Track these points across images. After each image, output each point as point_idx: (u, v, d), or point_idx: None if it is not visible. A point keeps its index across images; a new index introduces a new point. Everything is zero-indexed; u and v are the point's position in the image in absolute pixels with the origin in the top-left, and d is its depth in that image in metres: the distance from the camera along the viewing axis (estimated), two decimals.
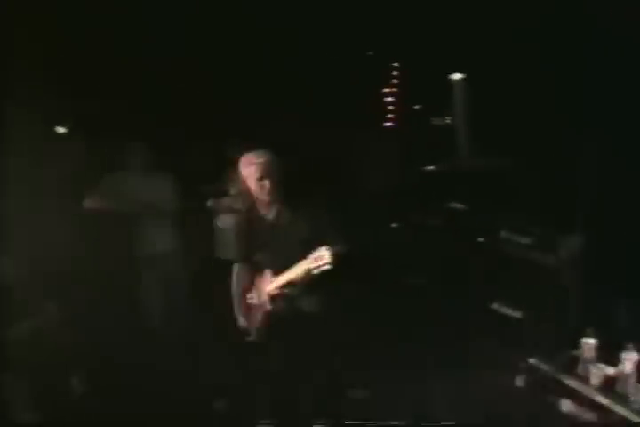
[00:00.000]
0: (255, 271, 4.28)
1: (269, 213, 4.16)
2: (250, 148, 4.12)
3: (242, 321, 4.32)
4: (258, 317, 4.25)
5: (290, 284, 4.03)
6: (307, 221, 4.05)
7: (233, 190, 5.16)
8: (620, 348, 4.52)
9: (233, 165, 5.24)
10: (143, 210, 5.44)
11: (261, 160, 4.06)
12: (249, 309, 4.32)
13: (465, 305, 5.67)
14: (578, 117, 5.36)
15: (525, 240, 5.28)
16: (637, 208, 5.06)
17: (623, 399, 4.38)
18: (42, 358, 4.71)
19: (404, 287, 6.21)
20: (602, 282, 5.09)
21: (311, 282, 3.97)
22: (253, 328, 4.28)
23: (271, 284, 4.14)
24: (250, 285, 4.32)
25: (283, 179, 4.08)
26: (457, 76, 6.51)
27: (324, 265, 3.72)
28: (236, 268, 4.40)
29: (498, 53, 5.85)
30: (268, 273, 4.18)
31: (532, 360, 4.90)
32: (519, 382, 4.90)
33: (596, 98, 5.20)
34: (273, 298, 4.15)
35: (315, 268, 3.76)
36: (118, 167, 5.52)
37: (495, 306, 5.43)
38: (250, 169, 4.06)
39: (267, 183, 4.04)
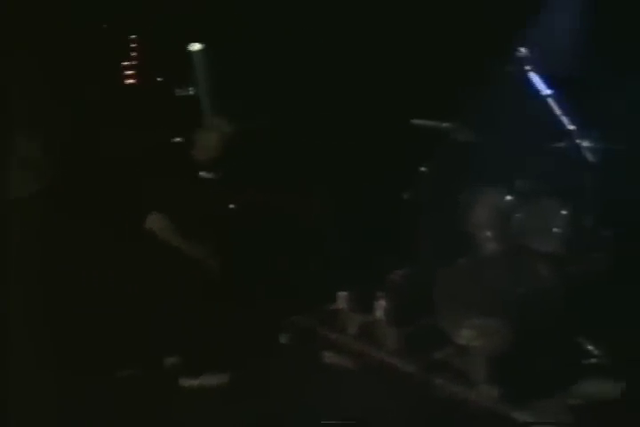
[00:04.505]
0: None
1: None
2: None
3: None
4: None
5: None
6: None
7: None
8: (373, 298, 4.84)
9: None
10: None
11: None
12: None
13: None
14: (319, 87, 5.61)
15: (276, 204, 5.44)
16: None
17: (378, 344, 4.71)
18: None
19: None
20: (353, 240, 5.40)
21: None
22: None
23: None
24: None
25: None
26: (196, 46, 6.49)
27: None
28: None
29: (234, 23, 5.93)
30: None
31: (293, 317, 5.09)
32: (283, 339, 5.08)
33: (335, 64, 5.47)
34: None
35: None
36: None
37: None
38: None
39: None
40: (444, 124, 4.84)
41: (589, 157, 4.22)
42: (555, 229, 4.50)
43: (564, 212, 4.47)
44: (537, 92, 4.41)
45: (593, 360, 4.32)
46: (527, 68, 4.46)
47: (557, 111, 4.33)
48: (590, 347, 4.35)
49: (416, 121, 4.89)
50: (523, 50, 4.49)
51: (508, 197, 4.68)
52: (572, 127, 4.27)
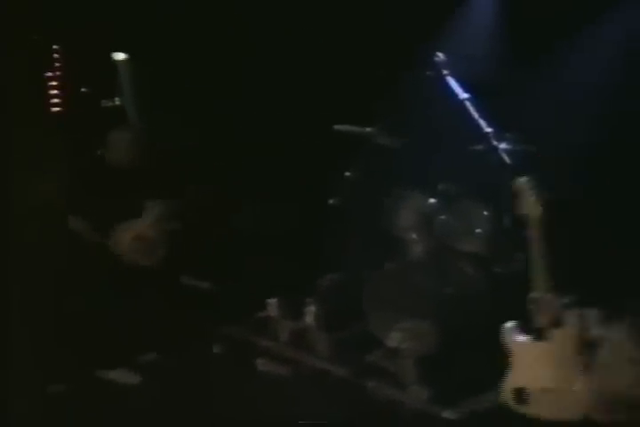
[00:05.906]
0: None
1: None
2: None
3: None
4: None
5: None
6: None
7: None
8: (303, 303, 4.86)
9: None
10: None
11: None
12: None
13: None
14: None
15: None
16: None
17: (310, 349, 4.73)
18: None
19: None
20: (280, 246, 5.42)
21: None
22: None
23: None
24: None
25: None
26: (120, 55, 6.44)
27: None
28: None
29: (159, 32, 5.92)
30: None
31: (224, 327, 5.08)
32: (216, 349, 5.05)
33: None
34: None
35: None
36: None
37: (185, 279, 5.51)
38: None
39: None
40: (366, 129, 4.88)
41: (507, 158, 4.29)
42: (477, 230, 4.58)
43: (485, 213, 4.56)
44: (454, 95, 4.47)
45: None
46: (444, 72, 4.52)
47: (475, 114, 4.39)
48: None
49: (338, 126, 4.92)
50: (440, 54, 4.55)
51: (432, 200, 4.74)
52: (489, 130, 4.34)
